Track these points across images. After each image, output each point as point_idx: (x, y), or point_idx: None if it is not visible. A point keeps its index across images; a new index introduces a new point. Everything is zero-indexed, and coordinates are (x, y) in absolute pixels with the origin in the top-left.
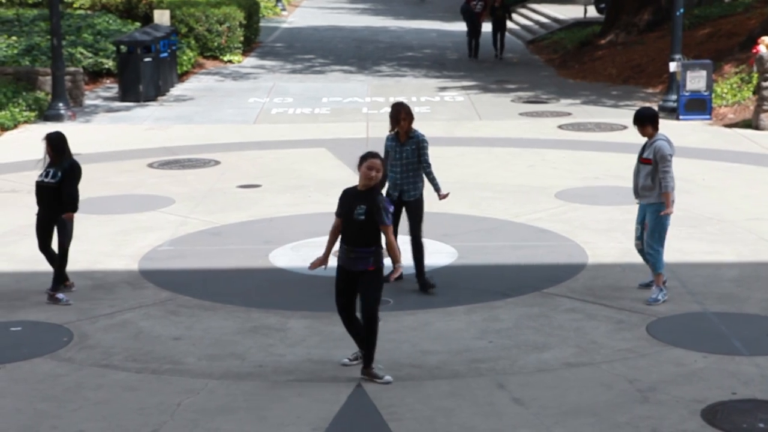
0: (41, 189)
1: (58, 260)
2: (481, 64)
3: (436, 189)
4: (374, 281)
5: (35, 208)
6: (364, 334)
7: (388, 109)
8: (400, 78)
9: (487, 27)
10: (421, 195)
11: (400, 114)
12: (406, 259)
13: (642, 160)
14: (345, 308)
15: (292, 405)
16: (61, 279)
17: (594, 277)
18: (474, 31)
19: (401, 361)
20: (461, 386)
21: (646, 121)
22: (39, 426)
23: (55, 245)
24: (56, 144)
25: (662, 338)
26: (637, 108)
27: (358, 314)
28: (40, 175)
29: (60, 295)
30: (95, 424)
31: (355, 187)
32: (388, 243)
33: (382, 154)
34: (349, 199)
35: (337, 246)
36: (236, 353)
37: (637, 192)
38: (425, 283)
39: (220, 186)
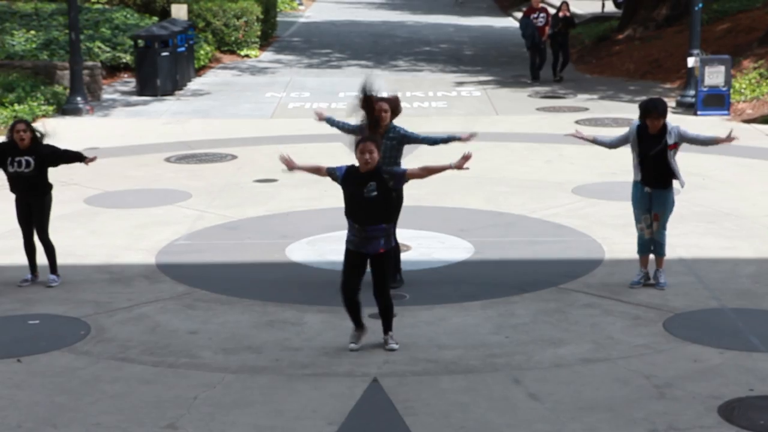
0: (18, 178)
1: (51, 251)
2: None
3: (456, 138)
4: (386, 264)
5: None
6: (383, 315)
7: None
8: (416, 73)
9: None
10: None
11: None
12: (419, 254)
13: (670, 147)
14: (352, 292)
15: (308, 399)
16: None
17: (611, 273)
18: (536, 48)
19: (417, 356)
20: (477, 381)
21: (665, 113)
22: (56, 419)
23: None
24: (33, 129)
25: (679, 334)
26: None
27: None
28: (12, 165)
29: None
30: (112, 417)
31: (356, 168)
32: (424, 171)
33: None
34: (355, 179)
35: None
36: (252, 347)
37: (646, 181)
38: (393, 279)
39: (237, 180)
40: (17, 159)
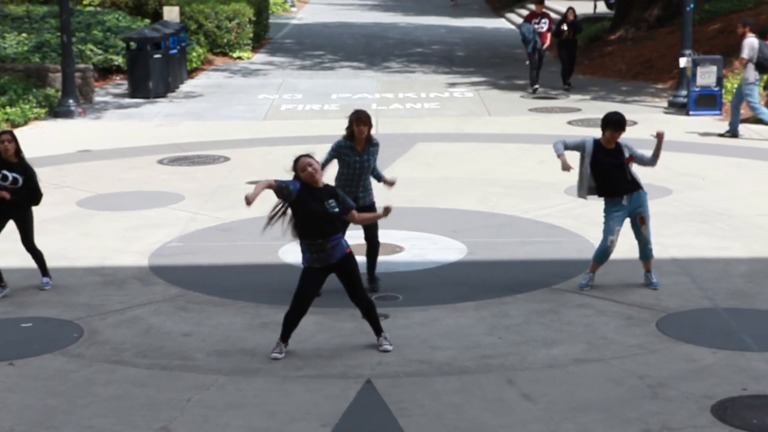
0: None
1: (40, 256)
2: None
3: (380, 179)
4: (353, 264)
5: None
6: (369, 317)
7: (399, 106)
8: (409, 74)
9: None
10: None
11: (365, 122)
12: (412, 255)
13: (628, 160)
14: (306, 309)
15: (301, 401)
16: None
17: (604, 273)
18: (537, 56)
19: (411, 357)
20: (471, 382)
21: (624, 126)
22: (49, 421)
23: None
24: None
25: (672, 334)
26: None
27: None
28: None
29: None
30: (105, 420)
31: (308, 186)
32: (361, 219)
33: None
34: (312, 196)
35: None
36: (246, 349)
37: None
38: (373, 279)
39: (230, 182)
40: (2, 172)
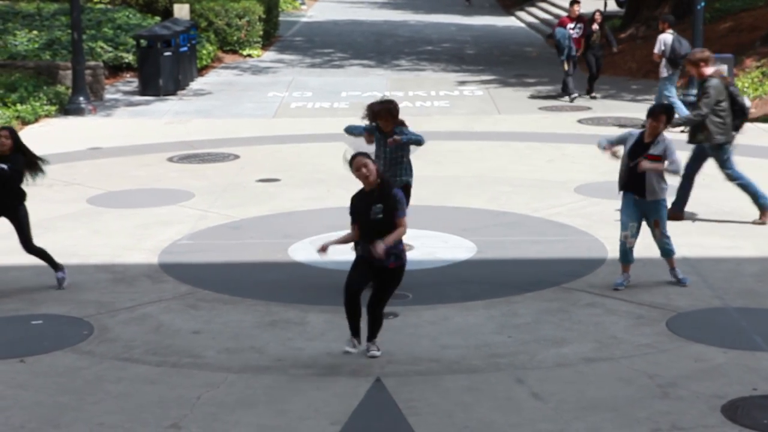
0: None
1: (44, 254)
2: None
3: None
4: (393, 281)
5: (56, 202)
6: (371, 325)
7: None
8: (419, 72)
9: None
10: (408, 183)
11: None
12: (422, 254)
13: (650, 157)
14: (355, 295)
15: (311, 399)
16: None
17: (614, 272)
18: (571, 61)
19: (420, 356)
20: (480, 381)
21: (663, 115)
22: (60, 419)
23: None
24: (17, 135)
25: (682, 333)
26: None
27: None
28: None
29: None
30: (115, 417)
31: (362, 190)
32: (397, 235)
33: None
34: (361, 201)
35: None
36: (255, 347)
37: (646, 192)
38: None
39: (240, 180)
40: None
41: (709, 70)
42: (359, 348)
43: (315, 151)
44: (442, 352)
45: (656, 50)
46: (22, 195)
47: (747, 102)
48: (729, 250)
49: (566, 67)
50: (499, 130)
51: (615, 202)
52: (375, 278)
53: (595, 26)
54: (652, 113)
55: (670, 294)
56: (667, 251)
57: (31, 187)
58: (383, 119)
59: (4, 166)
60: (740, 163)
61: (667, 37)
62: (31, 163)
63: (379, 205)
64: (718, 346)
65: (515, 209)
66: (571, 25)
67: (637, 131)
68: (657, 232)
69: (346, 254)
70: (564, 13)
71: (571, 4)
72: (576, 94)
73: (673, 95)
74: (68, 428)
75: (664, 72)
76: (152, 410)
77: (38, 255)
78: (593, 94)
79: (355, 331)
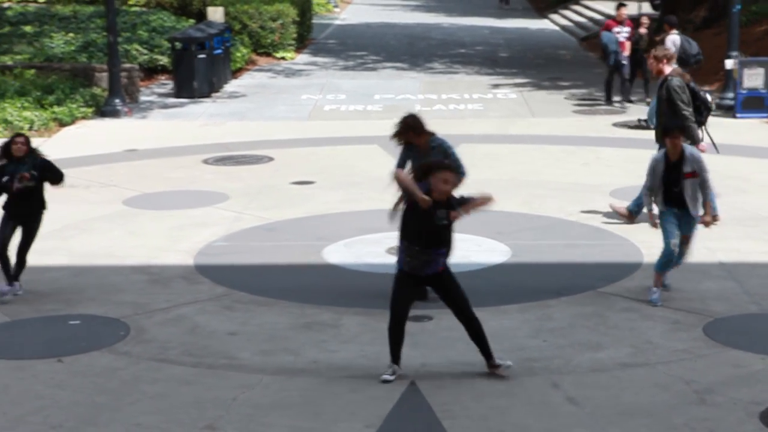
0: (18, 193)
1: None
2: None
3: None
4: (450, 281)
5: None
6: (477, 339)
7: (442, 107)
8: (452, 75)
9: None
10: None
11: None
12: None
13: (687, 175)
14: (402, 320)
15: (345, 401)
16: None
17: (650, 277)
18: (616, 66)
19: (455, 359)
20: (515, 385)
21: (674, 133)
22: (97, 419)
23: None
24: (29, 141)
25: (719, 339)
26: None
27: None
28: (8, 180)
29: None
30: (152, 418)
31: (429, 193)
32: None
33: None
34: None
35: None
36: (290, 349)
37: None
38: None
39: (274, 182)
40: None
41: (668, 69)
42: (399, 373)
43: (349, 153)
44: (478, 355)
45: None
46: (44, 203)
47: (708, 97)
48: (766, 255)
49: (616, 74)
50: (533, 134)
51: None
52: (436, 290)
53: (643, 30)
54: (669, 133)
55: (706, 299)
56: (681, 260)
57: (68, 188)
58: (411, 136)
59: (34, 173)
60: None
61: (675, 38)
62: (47, 168)
63: (444, 210)
64: (756, 352)
65: (550, 213)
66: (617, 29)
67: (659, 155)
68: (684, 248)
69: (380, 257)
70: (598, 16)
71: (618, 7)
72: (627, 101)
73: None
74: (105, 428)
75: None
76: (188, 411)
77: (20, 264)
78: (629, 100)
79: (395, 358)
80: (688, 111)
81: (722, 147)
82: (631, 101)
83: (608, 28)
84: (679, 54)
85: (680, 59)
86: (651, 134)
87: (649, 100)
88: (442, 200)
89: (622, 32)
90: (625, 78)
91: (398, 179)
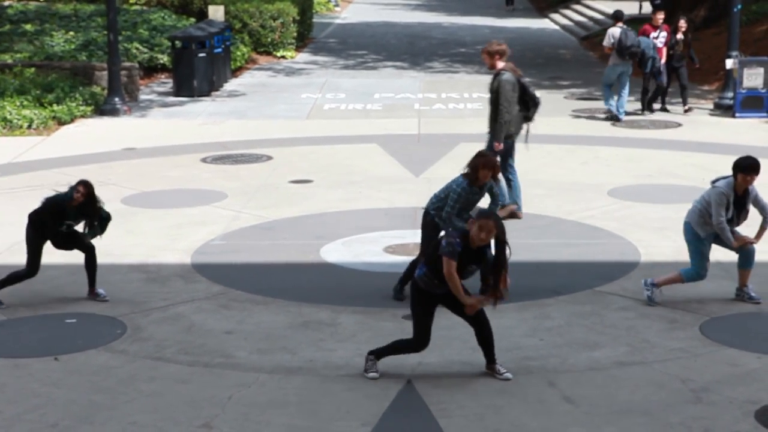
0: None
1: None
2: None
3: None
4: (468, 294)
5: None
6: (485, 338)
7: (441, 106)
8: (452, 74)
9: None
10: None
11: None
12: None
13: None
14: (429, 330)
15: (342, 400)
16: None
17: (647, 276)
18: (653, 73)
19: (452, 358)
20: (511, 384)
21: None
22: (93, 417)
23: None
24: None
25: (716, 338)
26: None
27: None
28: (69, 226)
29: None
30: (148, 416)
31: (469, 241)
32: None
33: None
34: (464, 252)
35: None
36: (287, 347)
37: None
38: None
39: (273, 181)
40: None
41: (501, 64)
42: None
43: (347, 152)
44: (474, 354)
45: (605, 43)
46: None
47: (536, 93)
48: (764, 254)
49: (645, 80)
50: (532, 133)
51: (649, 206)
52: (444, 303)
53: (680, 35)
54: (750, 170)
55: (703, 298)
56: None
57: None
58: (483, 172)
59: (99, 234)
60: None
61: (615, 30)
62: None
63: (475, 265)
64: (752, 351)
65: (548, 212)
66: (654, 34)
67: (728, 190)
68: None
69: (378, 256)
70: (599, 16)
71: (654, 11)
72: (658, 107)
73: (609, 84)
74: (101, 426)
75: (611, 62)
76: (184, 410)
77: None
78: (656, 108)
79: (381, 357)
80: (506, 108)
81: (721, 146)
82: (666, 110)
83: (645, 33)
84: (616, 46)
85: (617, 50)
86: (651, 134)
87: (688, 107)
88: (479, 251)
89: (660, 37)
90: (662, 85)
91: (450, 278)
